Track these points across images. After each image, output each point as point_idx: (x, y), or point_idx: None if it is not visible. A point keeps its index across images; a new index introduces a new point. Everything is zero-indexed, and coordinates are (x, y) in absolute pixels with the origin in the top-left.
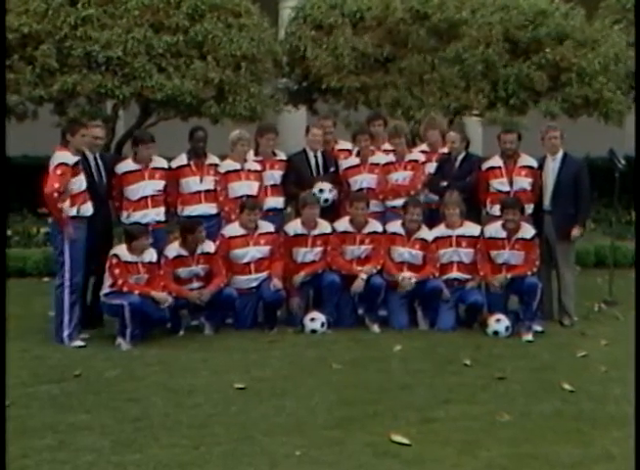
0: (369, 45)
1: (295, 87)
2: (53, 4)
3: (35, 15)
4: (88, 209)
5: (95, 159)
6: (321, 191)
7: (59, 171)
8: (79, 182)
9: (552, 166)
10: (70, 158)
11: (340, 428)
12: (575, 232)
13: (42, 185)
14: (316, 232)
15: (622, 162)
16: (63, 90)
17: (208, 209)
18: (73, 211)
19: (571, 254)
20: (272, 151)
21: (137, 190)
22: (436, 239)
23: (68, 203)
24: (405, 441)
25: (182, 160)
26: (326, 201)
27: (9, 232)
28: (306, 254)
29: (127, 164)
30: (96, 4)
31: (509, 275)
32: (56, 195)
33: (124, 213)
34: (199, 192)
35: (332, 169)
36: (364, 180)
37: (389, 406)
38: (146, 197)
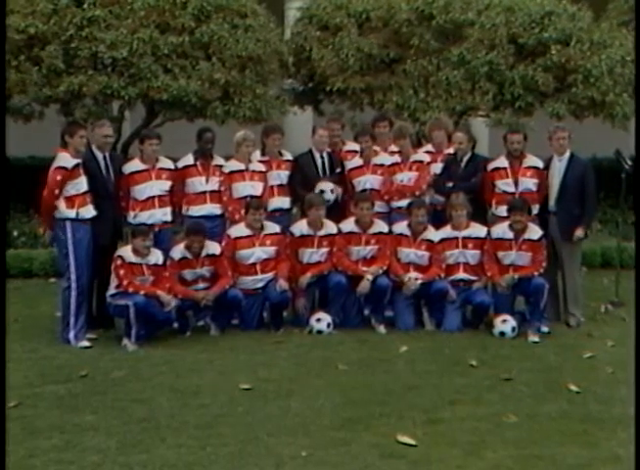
0: (374, 46)
1: (300, 88)
2: (59, 5)
3: (42, 16)
4: (89, 211)
5: (104, 158)
6: (322, 192)
7: (58, 177)
8: (79, 184)
9: (558, 167)
10: (70, 160)
11: (346, 429)
12: (579, 233)
13: (41, 186)
14: (322, 233)
15: (629, 162)
16: (69, 91)
17: (214, 209)
18: (72, 214)
19: (577, 254)
20: (278, 151)
21: (144, 190)
22: (443, 240)
23: (63, 205)
24: (411, 441)
25: (189, 160)
26: (327, 201)
27: (15, 233)
28: (312, 254)
29: (134, 165)
30: (102, 5)
31: (516, 275)
32: (56, 202)
33: (131, 214)
34: (204, 192)
35: (338, 171)
36: (367, 181)
37: (395, 407)
38: (153, 197)
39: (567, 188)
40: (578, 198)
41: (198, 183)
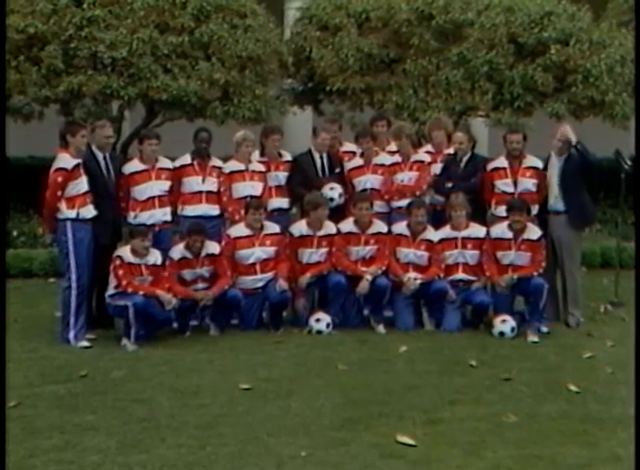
0: (374, 46)
1: (300, 88)
2: (59, 5)
3: (41, 16)
4: (89, 211)
5: (105, 159)
6: (331, 200)
7: (59, 178)
8: (80, 185)
9: (557, 165)
10: (70, 161)
11: (345, 429)
12: None
13: (43, 188)
14: (321, 233)
15: (629, 162)
16: (68, 91)
17: (209, 209)
18: (73, 214)
19: (578, 254)
20: (278, 152)
21: (144, 190)
22: (442, 240)
23: (64, 205)
24: (411, 442)
25: (186, 159)
26: (332, 200)
27: (15, 233)
28: (312, 254)
29: (134, 165)
30: (101, 5)
31: (515, 276)
32: (58, 204)
33: (131, 214)
34: (200, 192)
35: (337, 171)
36: (368, 181)
37: (395, 407)
38: (153, 197)
39: (567, 181)
40: (581, 186)
41: (194, 183)
